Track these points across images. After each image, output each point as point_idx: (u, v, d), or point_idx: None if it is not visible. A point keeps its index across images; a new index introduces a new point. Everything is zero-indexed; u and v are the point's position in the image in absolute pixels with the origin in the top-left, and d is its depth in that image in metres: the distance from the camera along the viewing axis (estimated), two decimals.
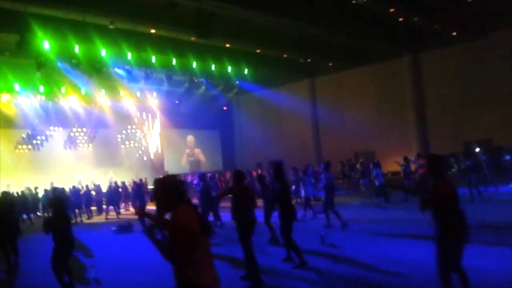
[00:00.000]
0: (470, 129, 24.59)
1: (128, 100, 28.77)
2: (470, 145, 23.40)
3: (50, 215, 8.66)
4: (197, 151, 35.56)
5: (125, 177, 26.29)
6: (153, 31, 20.28)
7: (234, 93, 31.04)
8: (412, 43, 26.14)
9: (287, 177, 12.03)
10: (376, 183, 14.82)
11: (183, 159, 34.75)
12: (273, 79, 31.28)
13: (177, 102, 31.14)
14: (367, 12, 21.59)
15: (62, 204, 7.08)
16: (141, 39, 20.13)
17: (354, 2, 20.16)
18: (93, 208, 21.16)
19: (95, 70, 19.79)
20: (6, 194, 9.94)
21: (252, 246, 6.93)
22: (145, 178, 24.36)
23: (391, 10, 21.11)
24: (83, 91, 25.40)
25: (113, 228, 13.56)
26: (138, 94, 28.21)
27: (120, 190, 22.14)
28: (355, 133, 29.44)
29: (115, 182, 22.65)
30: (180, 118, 32.09)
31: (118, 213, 20.13)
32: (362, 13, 21.75)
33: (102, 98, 27.31)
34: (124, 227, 13.11)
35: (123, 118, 29.85)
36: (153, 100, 30.24)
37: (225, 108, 36.85)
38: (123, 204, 23.06)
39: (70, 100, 26.53)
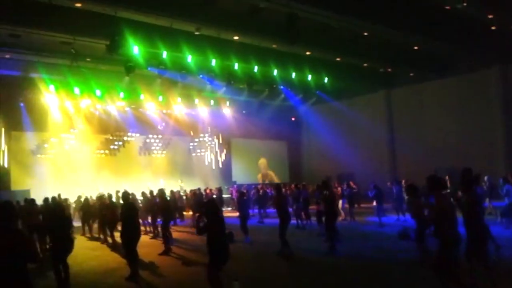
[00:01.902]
0: None
1: (202, 109, 28.69)
2: None
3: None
4: (270, 173, 35.17)
5: (193, 185, 26.08)
6: (236, 37, 20.01)
7: (311, 103, 30.16)
8: (502, 54, 24.35)
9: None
10: (507, 200, 13.30)
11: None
12: (348, 90, 30.24)
13: (243, 112, 31.00)
14: (456, 18, 20.25)
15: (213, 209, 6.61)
16: (224, 46, 19.89)
17: (448, 7, 19.00)
18: None
19: (180, 76, 19.66)
20: (127, 195, 9.42)
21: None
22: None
23: (490, 16, 19.67)
24: (160, 98, 25.57)
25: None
26: (212, 102, 28.10)
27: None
28: (434, 147, 27.84)
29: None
30: (250, 129, 31.79)
31: None
32: (451, 19, 20.42)
33: (178, 105, 27.36)
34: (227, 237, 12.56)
35: (196, 126, 29.86)
36: (226, 110, 30.02)
37: (293, 119, 36.29)
38: None
39: (148, 107, 26.77)
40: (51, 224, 8.22)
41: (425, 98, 29.08)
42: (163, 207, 12.06)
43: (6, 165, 23.28)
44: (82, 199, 18.40)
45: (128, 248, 8.31)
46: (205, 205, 6.97)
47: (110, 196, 15.42)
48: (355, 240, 12.30)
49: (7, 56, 20.80)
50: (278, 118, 32.87)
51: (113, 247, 12.49)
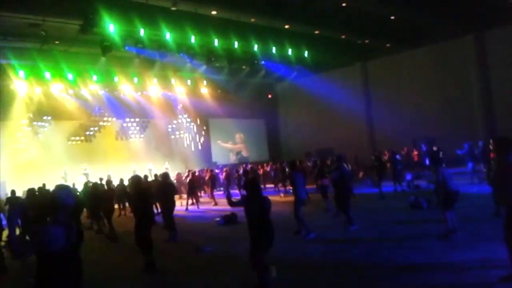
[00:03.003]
0: None
1: (179, 89, 27.92)
2: None
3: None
4: (241, 146, 35.01)
5: (177, 168, 25.57)
6: (214, 12, 19.34)
7: (291, 79, 29.86)
8: (477, 21, 24.50)
9: None
10: None
11: (231, 155, 34.26)
12: (325, 64, 30.00)
13: (218, 91, 30.45)
14: None
15: None
16: (203, 22, 19.22)
17: None
18: None
19: (159, 55, 18.89)
20: (138, 179, 8.77)
21: None
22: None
23: None
24: (136, 80, 24.68)
25: (217, 219, 12.57)
26: (189, 82, 27.38)
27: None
28: (412, 118, 28.08)
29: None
30: (228, 108, 31.27)
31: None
32: None
33: (154, 87, 26.49)
34: (230, 218, 12.13)
35: (174, 108, 29.10)
36: (204, 89, 29.33)
37: (270, 96, 35.96)
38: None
39: (122, 90, 25.80)
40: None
41: (402, 68, 29.15)
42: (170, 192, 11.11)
43: None
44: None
45: (143, 236, 7.69)
46: (249, 183, 6.43)
47: (109, 182, 14.53)
48: (366, 214, 11.42)
49: None
50: (255, 97, 32.50)
51: (113, 237, 11.74)
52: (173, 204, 10.84)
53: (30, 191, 12.21)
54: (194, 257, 8.79)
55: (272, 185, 21.45)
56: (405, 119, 28.35)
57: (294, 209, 9.39)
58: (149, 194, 8.49)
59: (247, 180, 8.01)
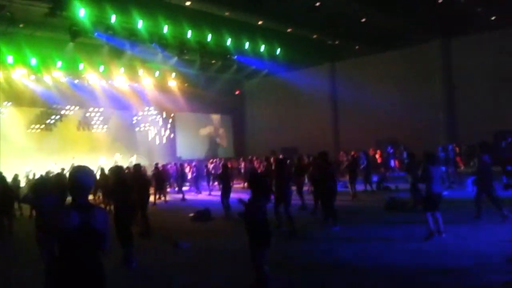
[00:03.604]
0: (502, 119, 23.82)
1: (146, 80, 27.15)
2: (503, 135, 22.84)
3: None
4: (222, 130, 34.50)
5: (141, 161, 24.84)
6: (188, 3, 18.90)
7: (261, 76, 29.70)
8: (444, 27, 25.21)
9: None
10: None
11: (203, 137, 33.70)
12: (294, 62, 29.97)
13: (186, 85, 29.92)
14: None
15: None
16: (177, 12, 18.73)
17: None
18: None
19: (130, 43, 18.25)
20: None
21: None
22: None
23: None
24: (101, 68, 23.80)
25: (191, 215, 12.13)
26: (157, 74, 26.69)
27: None
28: (377, 120, 28.54)
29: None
30: (195, 102, 30.76)
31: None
32: None
33: (120, 77, 25.62)
34: (203, 214, 11.76)
35: (139, 99, 28.25)
36: (172, 82, 28.67)
37: (237, 92, 35.70)
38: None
39: (88, 79, 24.79)
40: None
41: (369, 71, 29.52)
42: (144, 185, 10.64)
43: None
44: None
45: (123, 227, 7.30)
46: (257, 179, 6.01)
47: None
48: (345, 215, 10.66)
49: None
50: (223, 92, 32.08)
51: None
52: (147, 197, 10.49)
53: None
54: (172, 252, 8.47)
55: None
56: (370, 120, 28.79)
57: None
58: (130, 185, 8.11)
59: (254, 176, 7.31)
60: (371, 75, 29.58)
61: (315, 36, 25.58)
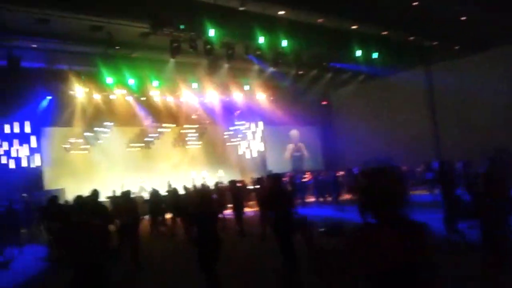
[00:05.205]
0: None
1: (237, 95, 27.19)
2: None
3: None
4: (301, 145, 33.57)
5: (231, 176, 24.80)
6: (282, 12, 18.46)
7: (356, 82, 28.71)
8: None
9: None
10: None
11: (287, 154, 32.85)
12: (384, 67, 28.44)
13: (271, 98, 29.53)
14: None
15: None
16: (271, 22, 18.37)
17: None
18: None
19: (228, 56, 18.12)
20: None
21: None
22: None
23: None
24: (194, 85, 24.19)
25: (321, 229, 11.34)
26: (248, 87, 26.63)
27: None
28: (483, 126, 26.12)
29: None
30: (283, 115, 30.28)
31: None
32: None
33: (212, 92, 25.87)
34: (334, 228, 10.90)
35: (230, 114, 28.41)
36: (260, 95, 28.47)
37: (324, 103, 34.80)
38: None
39: (182, 96, 25.33)
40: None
41: (470, 72, 27.30)
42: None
43: (38, 164, 21.94)
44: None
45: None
46: None
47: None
48: None
49: (34, 45, 19.35)
50: (311, 103, 31.49)
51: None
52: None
53: None
54: None
55: None
56: (474, 126, 26.44)
57: None
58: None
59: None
60: (470, 77, 27.29)
61: (411, 38, 24.05)
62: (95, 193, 9.33)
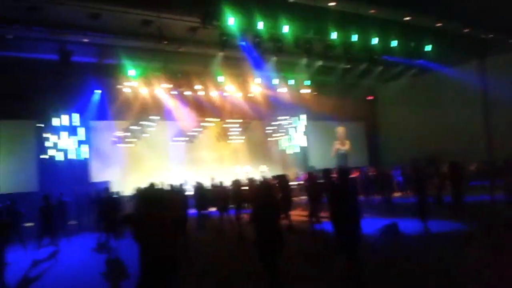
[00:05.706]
0: None
1: (281, 89, 26.78)
2: None
3: None
4: (347, 142, 32.75)
5: (274, 171, 24.48)
6: (332, 4, 17.90)
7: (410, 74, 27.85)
8: None
9: None
10: None
11: (333, 151, 32.12)
12: (436, 61, 27.30)
13: (315, 93, 28.87)
14: None
15: None
16: (321, 14, 17.87)
17: None
18: None
19: (276, 49, 17.78)
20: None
21: None
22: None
23: None
24: (239, 80, 24.11)
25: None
26: (293, 82, 26.21)
27: None
28: None
29: None
30: (327, 110, 29.64)
31: None
32: None
33: (256, 87, 25.61)
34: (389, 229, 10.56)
35: (274, 108, 28.08)
36: (304, 90, 27.93)
37: (370, 97, 33.90)
38: None
39: (227, 91, 25.20)
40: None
41: None
42: None
43: (86, 156, 22.29)
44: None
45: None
46: None
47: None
48: None
49: (85, 40, 19.58)
50: (356, 99, 30.72)
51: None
52: None
53: None
54: None
55: None
56: None
57: None
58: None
59: None
60: None
61: (466, 30, 22.95)
62: (152, 187, 9.17)
